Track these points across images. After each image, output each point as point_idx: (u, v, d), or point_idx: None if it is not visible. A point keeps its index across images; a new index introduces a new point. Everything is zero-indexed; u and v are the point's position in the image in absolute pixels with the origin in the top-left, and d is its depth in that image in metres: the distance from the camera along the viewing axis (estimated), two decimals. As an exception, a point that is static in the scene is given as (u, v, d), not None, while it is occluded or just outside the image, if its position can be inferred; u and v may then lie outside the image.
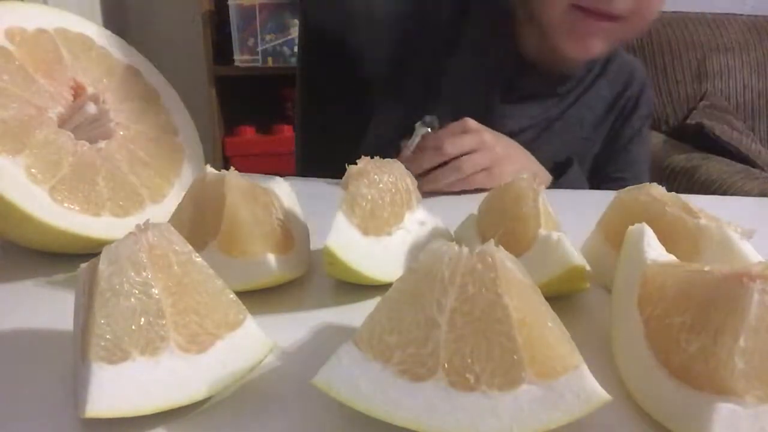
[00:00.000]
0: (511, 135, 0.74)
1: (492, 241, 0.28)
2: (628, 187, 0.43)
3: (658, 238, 0.35)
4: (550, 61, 0.79)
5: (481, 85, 0.79)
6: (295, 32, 1.91)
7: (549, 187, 0.73)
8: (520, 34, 0.80)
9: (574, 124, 0.83)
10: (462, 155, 0.65)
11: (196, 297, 0.30)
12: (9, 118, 0.42)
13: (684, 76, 1.70)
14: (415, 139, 0.68)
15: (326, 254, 0.38)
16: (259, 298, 0.39)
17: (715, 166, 1.35)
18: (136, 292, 0.28)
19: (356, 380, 0.27)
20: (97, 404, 0.26)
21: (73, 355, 0.31)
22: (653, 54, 1.71)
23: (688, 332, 0.28)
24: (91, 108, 0.47)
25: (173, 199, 0.48)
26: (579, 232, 0.45)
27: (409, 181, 0.45)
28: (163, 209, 0.47)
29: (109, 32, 0.52)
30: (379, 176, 0.42)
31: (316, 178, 0.70)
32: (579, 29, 0.72)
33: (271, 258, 0.39)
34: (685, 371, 0.27)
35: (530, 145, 0.75)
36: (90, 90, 0.48)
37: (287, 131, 2.08)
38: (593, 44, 0.73)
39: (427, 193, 0.63)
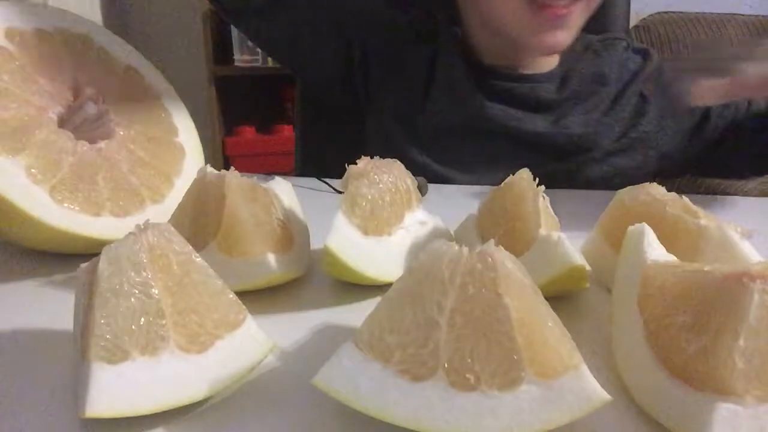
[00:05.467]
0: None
1: (492, 241, 0.28)
2: (628, 187, 0.43)
3: (658, 238, 0.35)
4: (513, 65, 0.79)
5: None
6: (295, 32, 1.91)
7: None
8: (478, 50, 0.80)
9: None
10: None
11: (196, 297, 0.30)
12: (9, 118, 0.42)
13: (684, 76, 1.70)
14: None
15: (326, 254, 0.38)
16: (259, 298, 0.39)
17: (715, 166, 1.35)
18: (136, 292, 0.28)
19: (356, 380, 0.27)
20: (97, 404, 0.26)
21: (73, 355, 0.31)
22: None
23: (688, 332, 0.28)
24: (91, 108, 0.47)
25: (173, 199, 0.48)
26: (579, 232, 0.45)
27: (409, 181, 0.45)
28: (163, 209, 0.47)
29: (109, 32, 0.52)
30: (379, 176, 0.42)
31: (315, 178, 0.70)
32: (540, 23, 0.70)
33: (271, 258, 0.39)
34: (685, 371, 0.27)
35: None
36: (90, 90, 0.48)
37: (287, 131, 2.09)
38: (557, 36, 0.71)
39: (426, 194, 0.64)
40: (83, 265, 0.31)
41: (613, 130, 0.78)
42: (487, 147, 0.76)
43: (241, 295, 0.33)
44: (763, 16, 1.77)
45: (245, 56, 1.96)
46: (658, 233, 0.35)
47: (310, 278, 0.44)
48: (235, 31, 1.93)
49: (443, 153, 0.76)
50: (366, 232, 0.41)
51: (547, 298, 0.29)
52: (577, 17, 0.71)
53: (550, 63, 0.80)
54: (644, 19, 1.76)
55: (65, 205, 0.42)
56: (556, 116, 0.77)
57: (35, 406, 0.29)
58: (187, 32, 2.07)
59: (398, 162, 0.46)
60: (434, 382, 0.26)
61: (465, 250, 0.28)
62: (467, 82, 0.77)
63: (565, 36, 0.72)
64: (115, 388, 0.27)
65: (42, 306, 0.39)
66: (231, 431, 0.28)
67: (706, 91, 0.56)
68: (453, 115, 0.77)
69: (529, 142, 0.75)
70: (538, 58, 0.79)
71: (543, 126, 0.76)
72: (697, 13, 1.80)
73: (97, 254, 0.29)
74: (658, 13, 1.77)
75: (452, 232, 0.48)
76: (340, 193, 0.42)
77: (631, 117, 0.79)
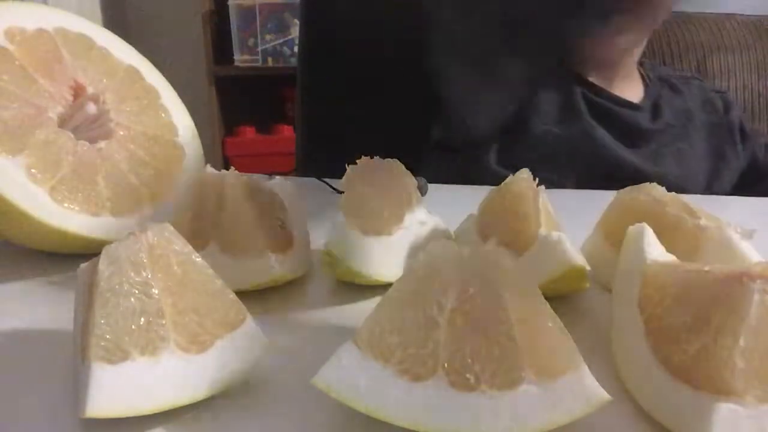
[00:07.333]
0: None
1: (492, 241, 0.28)
2: (628, 187, 0.43)
3: (658, 238, 0.35)
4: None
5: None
6: (295, 32, 1.91)
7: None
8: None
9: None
10: None
11: (196, 297, 0.30)
12: (9, 118, 0.42)
13: (684, 76, 1.70)
14: None
15: (326, 254, 0.38)
16: (259, 298, 0.39)
17: (715, 166, 1.35)
18: (136, 292, 0.28)
19: (356, 380, 0.27)
20: (97, 404, 0.26)
21: (73, 355, 0.31)
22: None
23: (688, 332, 0.28)
24: (91, 108, 0.47)
25: (173, 199, 0.48)
26: (579, 232, 0.45)
27: (409, 182, 0.45)
28: (163, 209, 0.47)
29: (109, 32, 0.52)
30: (379, 176, 0.42)
31: (315, 178, 0.70)
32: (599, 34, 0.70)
33: (271, 258, 0.39)
34: (685, 371, 0.27)
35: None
36: (90, 90, 0.48)
37: (287, 131, 2.09)
38: (618, 42, 0.71)
39: (426, 194, 0.64)
40: (83, 265, 0.31)
41: (698, 175, 0.74)
42: (580, 174, 0.71)
43: (241, 295, 0.33)
44: (763, 15, 1.77)
45: (245, 56, 1.96)
46: (658, 233, 0.35)
47: (310, 278, 0.44)
48: (235, 31, 1.93)
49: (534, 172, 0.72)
50: (366, 232, 0.41)
51: (547, 298, 0.29)
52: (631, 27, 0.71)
53: (634, 91, 0.77)
54: (644, 19, 1.75)
55: (65, 205, 0.42)
56: (651, 151, 0.74)
57: (35, 406, 0.29)
58: (187, 32, 2.07)
59: (398, 162, 0.46)
60: (434, 382, 0.26)
61: (465, 250, 0.28)
62: (577, 99, 0.74)
63: (624, 43, 0.72)
64: (115, 388, 0.27)
65: (42, 306, 0.39)
66: (231, 431, 0.28)
67: None
68: (556, 130, 0.73)
69: (626, 176, 0.70)
70: (626, 80, 0.77)
71: (640, 161, 0.72)
72: (697, 13, 1.80)
73: (97, 254, 0.29)
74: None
75: (452, 232, 0.48)
76: (340, 193, 0.42)
77: (722, 155, 0.77)
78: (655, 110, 0.76)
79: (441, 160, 0.76)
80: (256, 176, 0.43)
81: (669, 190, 0.47)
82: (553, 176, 0.69)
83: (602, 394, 0.26)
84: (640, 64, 0.83)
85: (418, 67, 0.80)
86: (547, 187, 0.41)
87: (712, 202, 0.66)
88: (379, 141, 0.79)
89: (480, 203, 0.46)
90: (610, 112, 0.74)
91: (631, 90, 0.77)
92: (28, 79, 0.44)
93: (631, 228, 0.36)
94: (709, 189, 0.75)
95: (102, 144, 0.47)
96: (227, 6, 1.91)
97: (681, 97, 0.79)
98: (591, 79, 0.75)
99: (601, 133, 0.72)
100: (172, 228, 0.31)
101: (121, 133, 0.48)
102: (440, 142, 0.76)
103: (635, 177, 0.71)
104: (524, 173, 0.44)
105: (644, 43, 0.78)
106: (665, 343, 0.29)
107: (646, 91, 0.79)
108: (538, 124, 0.73)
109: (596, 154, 0.72)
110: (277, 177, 0.48)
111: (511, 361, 0.26)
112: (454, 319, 0.27)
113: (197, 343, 0.29)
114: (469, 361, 0.26)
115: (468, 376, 0.26)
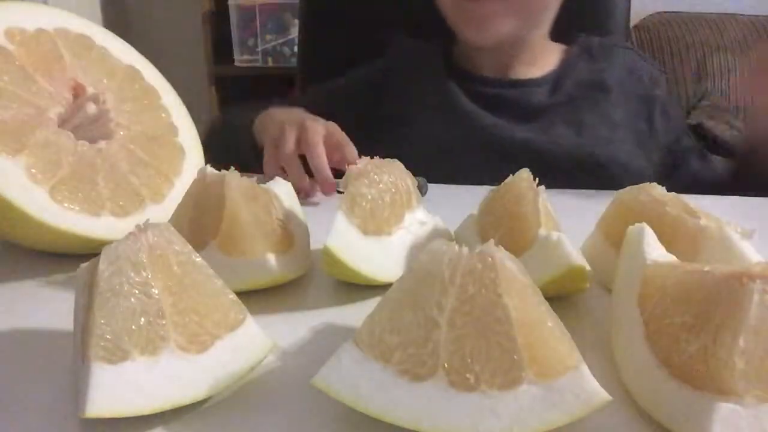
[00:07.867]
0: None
1: (492, 241, 0.28)
2: (628, 187, 0.43)
3: (658, 238, 0.35)
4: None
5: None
6: (295, 32, 1.91)
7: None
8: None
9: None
10: None
11: (196, 297, 0.30)
12: (9, 118, 0.42)
13: (684, 75, 1.70)
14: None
15: (326, 254, 0.38)
16: (259, 298, 0.39)
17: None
18: (136, 292, 0.28)
19: (356, 380, 0.27)
20: (97, 404, 0.26)
21: (73, 355, 0.31)
22: (653, 54, 1.71)
23: (688, 332, 0.28)
24: (91, 108, 0.47)
25: (173, 199, 0.48)
26: (579, 232, 0.45)
27: (409, 182, 0.45)
28: (163, 209, 0.47)
29: (109, 32, 0.52)
30: (379, 176, 0.43)
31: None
32: (471, 15, 0.73)
33: (271, 258, 0.39)
34: (685, 371, 0.27)
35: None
36: (90, 90, 0.48)
37: (287, 131, 2.08)
38: (490, 27, 0.74)
39: (426, 194, 0.64)
40: (83, 265, 0.31)
41: (608, 143, 0.75)
42: (475, 160, 0.74)
43: (241, 295, 0.33)
44: (763, 15, 1.76)
45: (245, 56, 1.96)
46: (658, 233, 0.35)
47: (310, 278, 0.44)
48: (235, 31, 1.93)
49: (432, 172, 0.72)
50: (366, 232, 0.41)
51: (547, 298, 0.29)
52: (506, 12, 0.72)
53: (543, 68, 0.80)
54: (644, 19, 1.76)
55: (65, 205, 0.42)
56: (546, 123, 0.76)
57: (35, 406, 0.29)
58: (187, 32, 2.06)
59: (398, 162, 0.46)
60: (434, 382, 0.26)
61: (465, 250, 0.28)
62: (452, 90, 0.77)
63: (497, 30, 0.73)
64: (115, 388, 0.27)
65: (42, 306, 0.39)
66: (231, 431, 0.28)
67: None
68: (442, 130, 0.77)
69: (520, 152, 0.73)
70: (525, 64, 0.79)
71: (531, 135, 0.74)
72: (697, 13, 1.80)
73: (97, 254, 0.29)
74: (658, 13, 1.77)
75: (452, 232, 0.48)
76: (340, 193, 0.42)
77: (642, 131, 0.78)
78: (556, 85, 0.78)
79: None
80: (256, 176, 0.43)
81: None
82: (452, 171, 0.71)
83: (602, 394, 0.26)
84: (573, 39, 0.84)
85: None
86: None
87: (712, 201, 0.66)
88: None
89: (480, 203, 0.46)
90: (498, 97, 0.78)
91: (534, 69, 0.80)
92: (28, 79, 0.44)
93: (631, 228, 0.36)
94: (624, 158, 0.76)
95: (102, 144, 0.47)
96: (227, 6, 1.91)
97: (597, 66, 0.80)
98: (483, 70, 0.80)
99: (490, 119, 0.76)
100: (172, 228, 0.31)
101: (121, 133, 0.48)
102: None
103: (528, 150, 0.73)
104: (524, 173, 0.44)
105: (544, 26, 0.80)
106: (665, 342, 0.29)
107: (557, 66, 0.80)
108: (422, 128, 0.77)
109: (486, 138, 0.75)
110: (277, 177, 0.48)
111: (511, 361, 0.26)
112: (454, 319, 0.27)
113: (197, 343, 0.29)
114: (469, 361, 0.26)
115: (468, 376, 0.26)
